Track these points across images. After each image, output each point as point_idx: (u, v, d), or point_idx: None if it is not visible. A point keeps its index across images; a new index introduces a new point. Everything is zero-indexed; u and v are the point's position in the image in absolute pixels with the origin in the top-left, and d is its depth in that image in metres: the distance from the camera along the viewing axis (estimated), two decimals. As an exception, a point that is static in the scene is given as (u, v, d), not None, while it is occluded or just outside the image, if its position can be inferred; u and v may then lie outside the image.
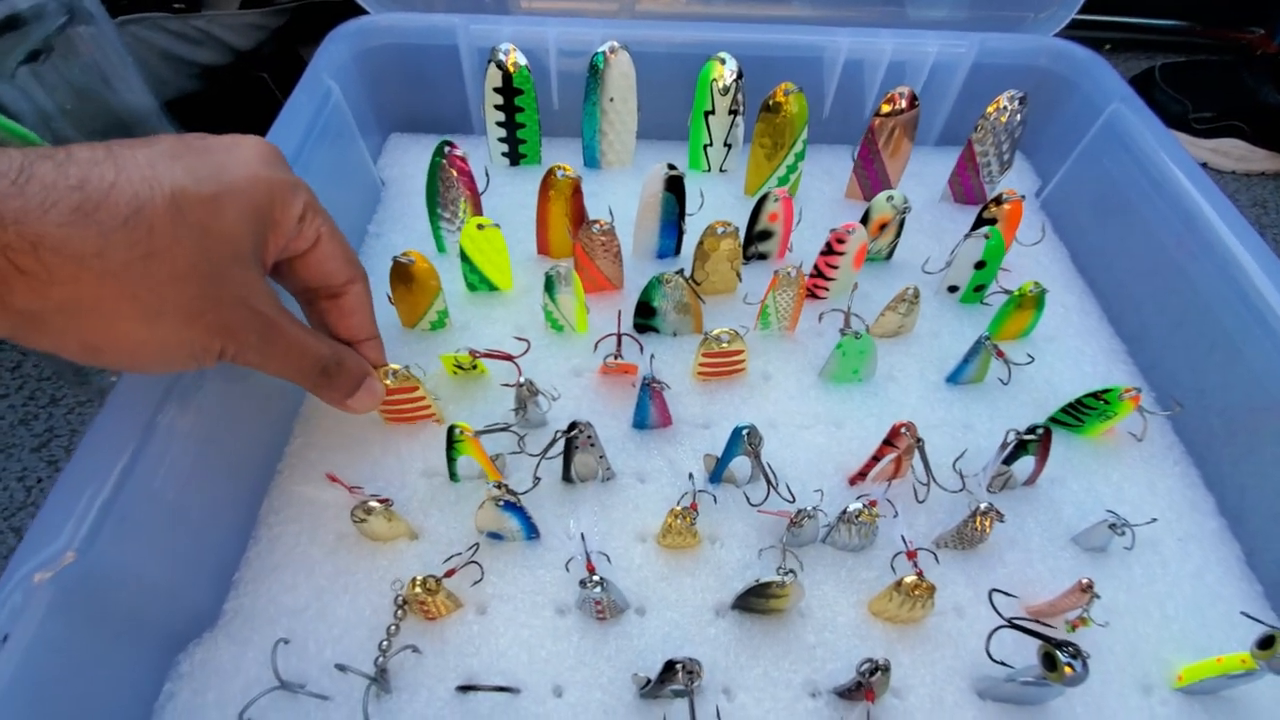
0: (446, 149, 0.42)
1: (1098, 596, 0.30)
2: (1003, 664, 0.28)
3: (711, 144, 0.51)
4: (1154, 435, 0.38)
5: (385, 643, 0.30)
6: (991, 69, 0.51)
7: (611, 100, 0.48)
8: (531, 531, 0.33)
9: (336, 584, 0.32)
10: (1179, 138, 0.70)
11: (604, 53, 0.46)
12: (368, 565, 0.32)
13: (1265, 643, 0.27)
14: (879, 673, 0.28)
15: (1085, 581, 0.30)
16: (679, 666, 0.27)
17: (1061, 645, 0.27)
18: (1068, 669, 0.26)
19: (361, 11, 0.50)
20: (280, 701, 0.28)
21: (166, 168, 0.23)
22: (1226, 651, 0.29)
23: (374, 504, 0.31)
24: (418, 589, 0.29)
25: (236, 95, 0.54)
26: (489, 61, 0.46)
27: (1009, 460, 0.35)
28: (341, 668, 0.28)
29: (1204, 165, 0.71)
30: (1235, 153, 0.70)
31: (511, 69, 0.46)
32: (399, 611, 0.31)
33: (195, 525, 0.30)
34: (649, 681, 0.28)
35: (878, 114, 0.46)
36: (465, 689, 0.29)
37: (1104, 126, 0.46)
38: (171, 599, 0.29)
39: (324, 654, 0.30)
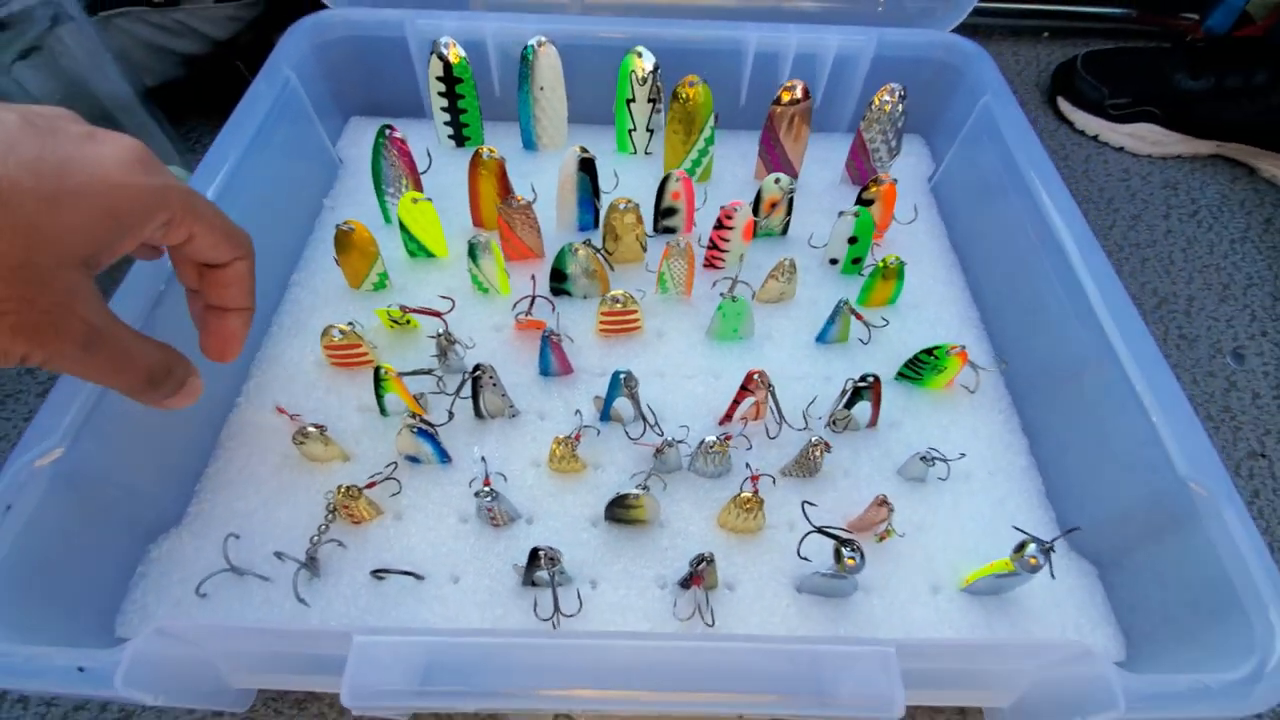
0: (388, 132, 0.48)
1: (893, 510, 0.36)
2: (806, 559, 0.35)
3: (635, 129, 0.56)
4: (986, 389, 0.45)
5: (316, 537, 0.37)
6: (893, 61, 0.56)
7: (542, 89, 0.54)
8: (443, 457, 0.40)
9: (280, 495, 0.39)
10: (1097, 123, 0.76)
11: (533, 45, 0.52)
12: (306, 481, 0.39)
13: (1018, 548, 0.34)
14: (704, 563, 0.34)
15: (880, 497, 0.36)
16: (541, 553, 0.34)
17: (846, 543, 0.33)
18: (849, 560, 0.33)
19: (322, 6, 0.55)
20: (229, 581, 0.36)
21: (8, 153, 0.22)
22: (1006, 561, 0.36)
23: (311, 429, 0.38)
24: (343, 495, 0.36)
25: (214, 82, 0.60)
26: (430, 53, 0.51)
27: (849, 405, 0.41)
28: (279, 555, 0.36)
29: (1121, 150, 0.76)
30: (1150, 137, 0.74)
31: (453, 59, 0.52)
32: (329, 515, 0.38)
33: (165, 442, 0.37)
34: (524, 568, 0.35)
35: (776, 103, 0.52)
36: (378, 573, 0.36)
37: (976, 118, 0.52)
38: (143, 499, 0.36)
39: (266, 547, 0.37)
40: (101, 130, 0.25)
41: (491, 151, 0.48)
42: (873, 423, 0.43)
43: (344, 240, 0.45)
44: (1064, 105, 0.77)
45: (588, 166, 0.48)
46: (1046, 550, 0.32)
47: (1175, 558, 0.33)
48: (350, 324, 0.42)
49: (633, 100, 0.54)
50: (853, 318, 0.45)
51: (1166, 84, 0.73)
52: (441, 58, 0.51)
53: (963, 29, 0.57)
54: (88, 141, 0.24)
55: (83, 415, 0.32)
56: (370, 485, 0.38)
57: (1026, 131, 0.49)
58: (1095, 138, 0.76)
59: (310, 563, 0.36)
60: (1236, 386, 0.59)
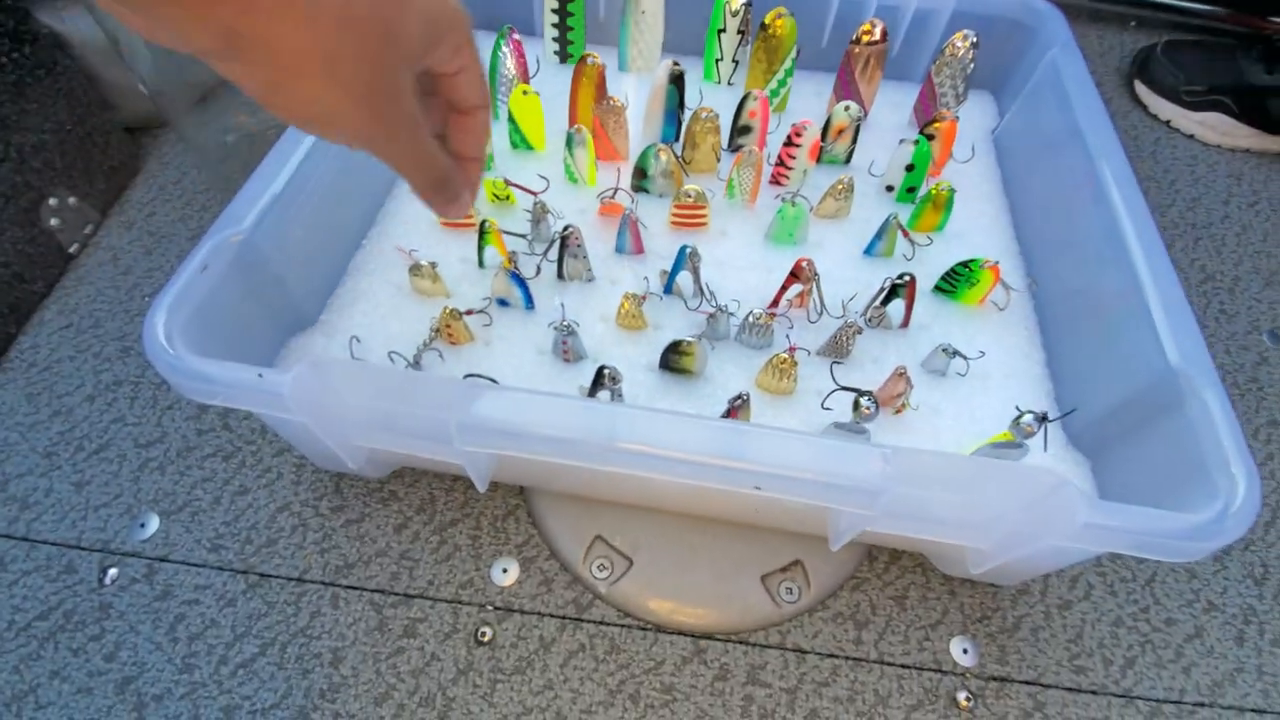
0: (508, 32, 0.55)
1: (911, 385, 0.42)
2: (829, 409, 0.41)
3: (722, 59, 0.62)
4: (1015, 308, 0.49)
5: (421, 346, 0.44)
6: (971, 16, 0.60)
7: (644, 12, 0.60)
8: (529, 302, 0.47)
9: (394, 313, 0.47)
10: (1171, 108, 0.77)
11: (641, -29, 0.58)
12: (415, 308, 0.47)
13: (1016, 419, 0.39)
14: (740, 400, 0.40)
15: (901, 368, 0.41)
16: (606, 371, 0.40)
17: (864, 393, 0.39)
18: (866, 409, 0.39)
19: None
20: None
21: None
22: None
23: (424, 264, 0.46)
24: (447, 315, 0.44)
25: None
26: (550, -29, 0.58)
27: (884, 302, 0.46)
28: (392, 355, 0.43)
29: (1191, 137, 0.77)
30: (1220, 127, 0.75)
31: (568, -21, 0.58)
32: (433, 333, 0.45)
33: (311, 251, 0.46)
34: (589, 388, 0.42)
35: (855, 42, 0.56)
36: (469, 376, 0.43)
37: (1043, 71, 0.55)
38: (290, 296, 0.45)
39: (381, 350, 0.45)
40: None
41: (595, 58, 0.54)
42: (905, 323, 0.48)
43: (463, 118, 0.52)
44: (1140, 89, 0.79)
45: (678, 80, 0.54)
46: (1042, 419, 0.37)
47: (1156, 442, 0.37)
48: (463, 186, 0.49)
49: (723, 30, 0.60)
50: (900, 235, 0.50)
51: (1241, 76, 0.74)
52: (559, -24, 0.58)
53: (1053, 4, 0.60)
54: None
55: (260, 212, 0.41)
56: (468, 313, 0.45)
57: (1088, 85, 0.52)
58: (1168, 123, 0.78)
59: (416, 364, 0.44)
60: (1268, 362, 0.61)
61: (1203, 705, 0.45)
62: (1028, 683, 0.45)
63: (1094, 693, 0.45)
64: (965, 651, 0.46)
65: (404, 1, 0.25)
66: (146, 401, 0.53)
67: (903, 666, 0.45)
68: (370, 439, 0.37)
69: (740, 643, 0.46)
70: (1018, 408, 0.39)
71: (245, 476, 0.50)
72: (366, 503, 0.49)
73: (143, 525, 0.48)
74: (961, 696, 0.44)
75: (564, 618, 0.46)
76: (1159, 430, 0.37)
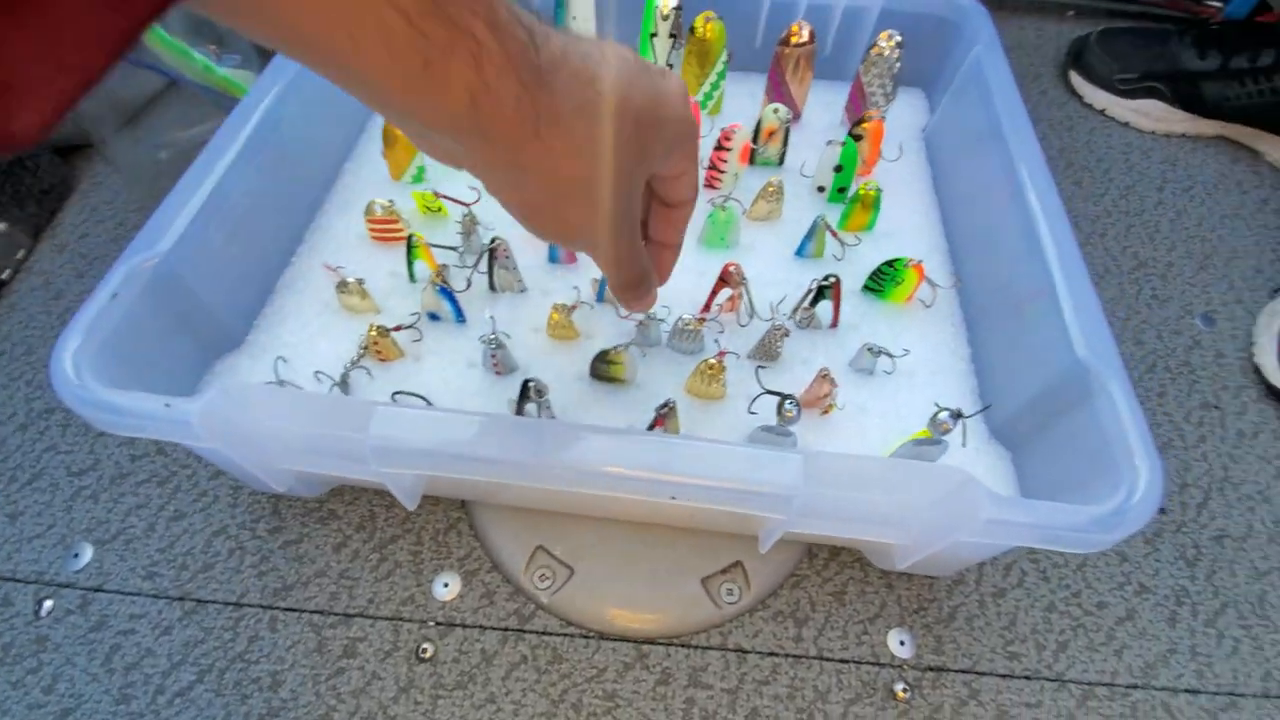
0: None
1: (836, 386, 0.42)
2: (754, 413, 0.41)
3: (656, 64, 0.62)
4: (941, 306, 0.50)
5: (349, 364, 0.44)
6: (899, 15, 0.61)
7: (574, 19, 0.60)
8: (460, 315, 0.47)
9: (322, 332, 0.46)
10: (1106, 97, 0.79)
11: (569, -22, 0.58)
12: (344, 325, 0.47)
13: (933, 416, 0.40)
14: (667, 408, 0.41)
15: (824, 371, 0.42)
16: (530, 385, 0.40)
17: (786, 397, 0.39)
18: (788, 413, 0.39)
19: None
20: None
21: (635, 84, 0.26)
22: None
23: (351, 281, 0.46)
24: (374, 333, 0.44)
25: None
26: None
27: (812, 303, 0.47)
28: (318, 374, 0.43)
29: (1126, 125, 0.79)
30: (1155, 114, 0.77)
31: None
32: (361, 350, 0.45)
33: (234, 276, 0.45)
34: (516, 401, 0.42)
35: (784, 44, 0.57)
36: (397, 394, 0.43)
37: (967, 69, 0.56)
38: (213, 319, 0.44)
39: (308, 370, 0.44)
40: (664, 68, 0.30)
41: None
42: (834, 323, 0.48)
43: (390, 134, 0.52)
44: (1075, 79, 0.80)
45: (607, 86, 0.54)
46: (956, 415, 0.38)
47: (1069, 433, 0.38)
48: (390, 201, 0.49)
49: (655, 35, 0.60)
50: (829, 236, 0.51)
51: (1174, 62, 0.75)
52: (487, -16, 0.58)
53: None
54: (663, 78, 0.28)
55: (177, 234, 0.40)
56: (397, 329, 0.45)
57: (1009, 82, 0.53)
58: (1103, 112, 0.79)
59: (343, 383, 0.43)
60: (1200, 345, 0.63)
61: (1135, 687, 0.47)
62: (963, 671, 0.46)
63: (1027, 678, 0.46)
64: (902, 643, 0.46)
65: (660, 123, 0.27)
66: (79, 429, 0.53)
67: (841, 661, 0.46)
68: (290, 462, 0.37)
69: (682, 646, 0.46)
70: (937, 404, 0.40)
71: (180, 501, 0.50)
72: (305, 523, 0.49)
73: (76, 555, 0.47)
74: (899, 688, 0.45)
75: (506, 630, 0.46)
76: (1072, 422, 0.38)
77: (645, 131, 0.27)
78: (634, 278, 0.32)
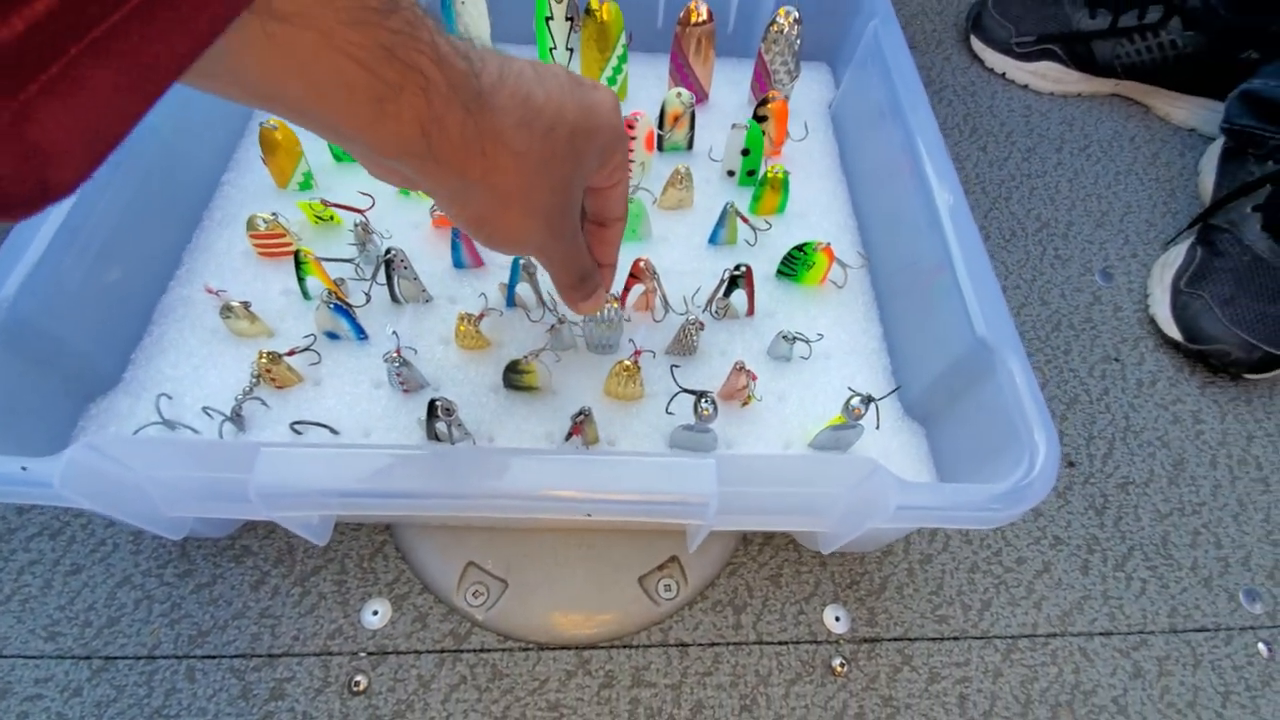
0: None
1: (754, 377, 0.42)
2: (672, 413, 0.41)
3: (555, 48, 0.60)
4: (853, 286, 0.50)
5: (240, 396, 0.41)
6: (801, -12, 0.60)
7: (464, 3, 0.57)
8: (360, 333, 0.45)
9: (208, 362, 0.43)
10: (1004, 61, 0.80)
11: (453, -41, 0.54)
12: (234, 352, 0.44)
13: (846, 402, 0.40)
14: (583, 416, 0.40)
15: (739, 364, 0.42)
16: (437, 404, 0.39)
17: (702, 395, 0.39)
18: (705, 411, 0.39)
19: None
20: (163, 436, 0.40)
21: (568, 98, 0.28)
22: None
23: (235, 304, 0.42)
24: (266, 360, 0.41)
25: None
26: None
27: (726, 293, 0.46)
28: (208, 410, 0.40)
29: (1025, 87, 0.81)
30: (1051, 75, 0.79)
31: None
32: (254, 379, 0.42)
33: (100, 311, 0.41)
34: (425, 422, 0.40)
35: (682, 24, 0.55)
36: (295, 426, 0.41)
37: (866, 43, 0.56)
38: (82, 360, 0.40)
39: (197, 406, 0.41)
40: (596, 82, 0.31)
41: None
42: (750, 311, 0.48)
43: (269, 139, 0.48)
44: (975, 44, 0.81)
45: (502, 77, 0.52)
46: (867, 400, 0.38)
47: (975, 408, 0.39)
48: (273, 213, 0.45)
49: (551, 18, 0.57)
50: (740, 221, 0.50)
51: (1067, 23, 0.77)
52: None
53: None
54: (594, 90, 0.30)
55: (23, 275, 0.36)
56: (290, 353, 0.42)
57: (904, 56, 0.53)
58: (1003, 75, 0.81)
59: (236, 418, 0.40)
60: (1100, 301, 0.65)
61: (1055, 635, 0.49)
62: (896, 639, 0.48)
63: (956, 639, 0.48)
64: (838, 619, 0.47)
65: (592, 132, 0.29)
66: (-52, 487, 0.48)
67: (780, 643, 0.47)
68: (178, 510, 0.34)
69: (623, 647, 0.46)
70: (850, 389, 0.40)
71: (76, 554, 0.46)
72: (217, 563, 0.46)
73: (-38, 624, 0.43)
74: (836, 663, 0.46)
75: (442, 651, 0.45)
76: (976, 398, 0.39)
77: (579, 140, 0.28)
78: (579, 275, 0.34)
